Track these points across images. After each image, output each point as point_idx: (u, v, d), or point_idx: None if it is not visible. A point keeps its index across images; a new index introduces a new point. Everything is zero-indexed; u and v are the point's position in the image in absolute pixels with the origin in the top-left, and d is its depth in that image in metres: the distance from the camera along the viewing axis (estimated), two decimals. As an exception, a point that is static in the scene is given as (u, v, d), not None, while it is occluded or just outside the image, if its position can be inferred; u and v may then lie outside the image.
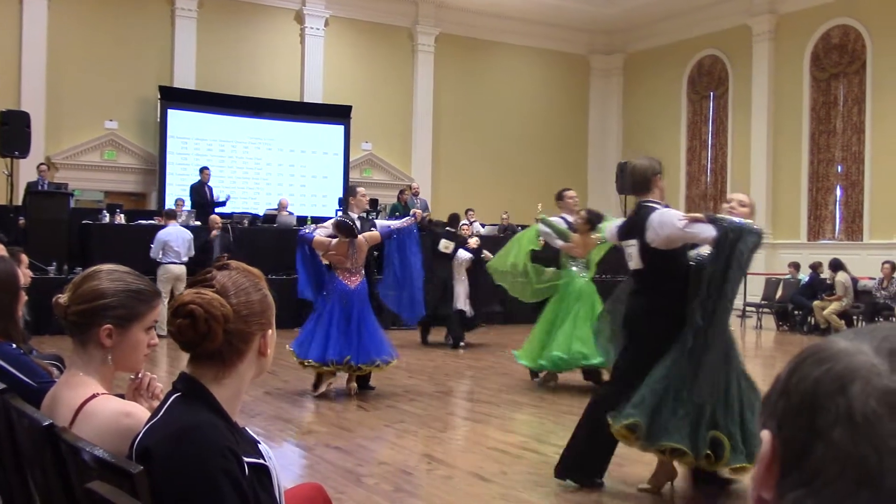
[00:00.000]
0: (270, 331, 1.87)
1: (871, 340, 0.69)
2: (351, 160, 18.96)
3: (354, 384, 7.80)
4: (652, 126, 21.34)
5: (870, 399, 0.64)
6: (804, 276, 15.28)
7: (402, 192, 16.44)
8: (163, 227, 12.45)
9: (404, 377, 8.91)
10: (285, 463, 5.45)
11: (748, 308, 16.40)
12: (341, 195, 17.60)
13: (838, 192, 17.62)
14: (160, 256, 12.07)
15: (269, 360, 1.90)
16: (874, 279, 14.34)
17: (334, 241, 7.48)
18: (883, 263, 14.22)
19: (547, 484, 4.94)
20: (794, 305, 14.81)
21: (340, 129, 18.76)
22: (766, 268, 17.41)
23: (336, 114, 18.61)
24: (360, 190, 8.15)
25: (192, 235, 12.49)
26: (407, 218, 8.32)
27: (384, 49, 19.77)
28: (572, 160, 22.12)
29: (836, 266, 14.49)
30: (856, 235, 17.09)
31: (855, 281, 14.45)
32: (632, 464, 5.43)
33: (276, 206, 15.66)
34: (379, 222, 8.24)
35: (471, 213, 16.22)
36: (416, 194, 16.04)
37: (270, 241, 13.82)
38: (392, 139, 19.86)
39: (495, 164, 20.82)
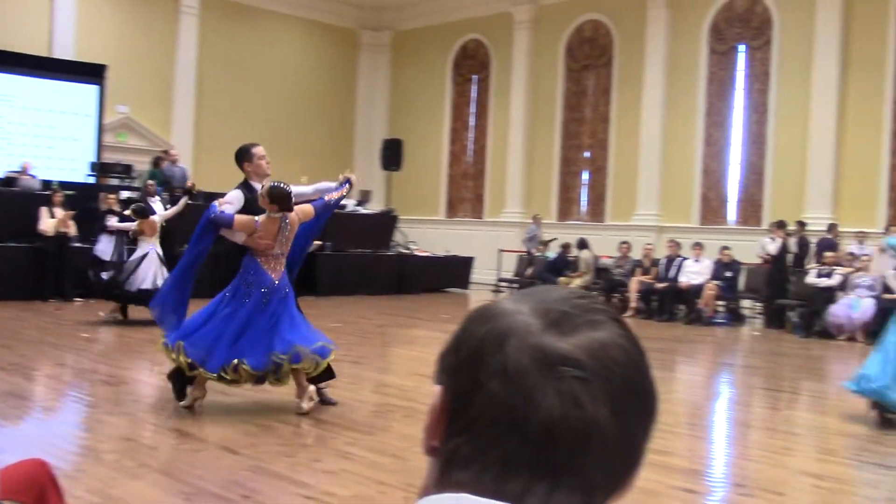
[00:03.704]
0: None
1: (530, 302, 0.76)
2: (105, 123, 17.85)
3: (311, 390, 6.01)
4: (418, 104, 21.79)
5: (522, 355, 0.72)
6: (552, 253, 16.28)
7: (158, 158, 15.71)
8: None
9: (155, 352, 8.60)
10: (18, 441, 5.14)
11: (501, 283, 17.26)
12: (93, 160, 16.59)
13: (585, 176, 18.90)
14: None
15: None
16: (613, 258, 15.54)
17: (260, 218, 5.77)
18: (620, 243, 15.44)
19: (296, 454, 4.99)
20: (541, 281, 15.73)
21: (94, 89, 17.55)
22: (520, 245, 18.40)
23: (89, 73, 17.38)
24: (258, 150, 6.25)
25: None
26: (343, 186, 6.38)
27: (145, 7, 18.73)
28: (339, 134, 22.15)
29: (582, 244, 15.59)
30: (599, 217, 18.45)
31: (597, 259, 15.61)
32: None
33: (18, 169, 14.48)
34: (297, 189, 6.20)
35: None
36: (174, 162, 15.38)
37: (9, 205, 12.83)
38: (152, 103, 18.91)
39: (261, 134, 20.21)
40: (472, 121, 21.05)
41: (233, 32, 20.10)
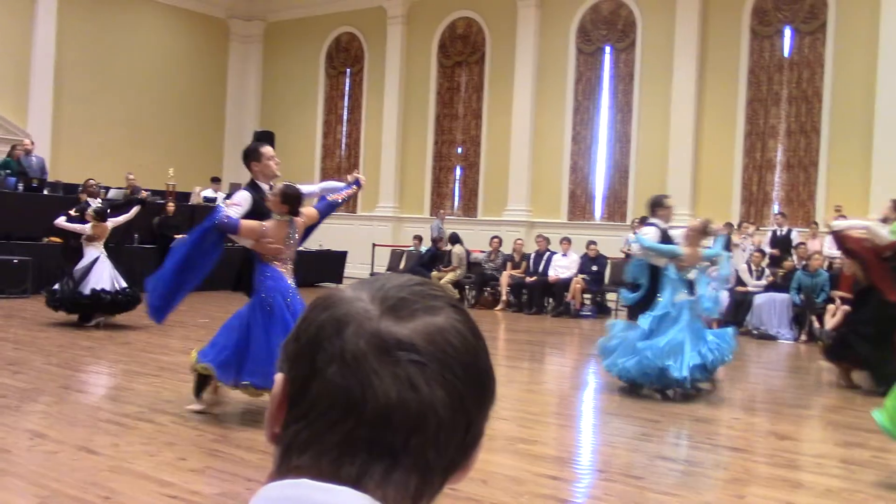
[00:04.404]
0: None
1: (369, 289, 0.78)
2: (-47, 109, 16.82)
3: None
4: (290, 97, 21.48)
5: (360, 340, 0.73)
6: (426, 248, 16.39)
7: (14, 147, 14.92)
8: None
9: (9, 349, 8.19)
10: None
11: (375, 278, 17.25)
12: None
13: (458, 171, 19.11)
14: None
15: None
16: (484, 252, 15.78)
17: (268, 223, 5.64)
18: (492, 238, 15.71)
19: (160, 453, 4.86)
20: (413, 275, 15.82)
21: (-60, 72, 16.53)
22: (393, 240, 18.45)
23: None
24: (267, 150, 6.05)
25: None
26: (351, 186, 6.23)
27: (-3, -13, 17.75)
28: (209, 125, 21.60)
29: (454, 239, 15.76)
30: (471, 212, 18.69)
31: (468, 253, 15.82)
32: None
33: None
34: (304, 188, 6.05)
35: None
36: (28, 152, 14.62)
37: None
38: (6, 89, 17.91)
39: (126, 125, 19.66)
40: (345, 114, 20.92)
41: (96, 16, 19.27)
